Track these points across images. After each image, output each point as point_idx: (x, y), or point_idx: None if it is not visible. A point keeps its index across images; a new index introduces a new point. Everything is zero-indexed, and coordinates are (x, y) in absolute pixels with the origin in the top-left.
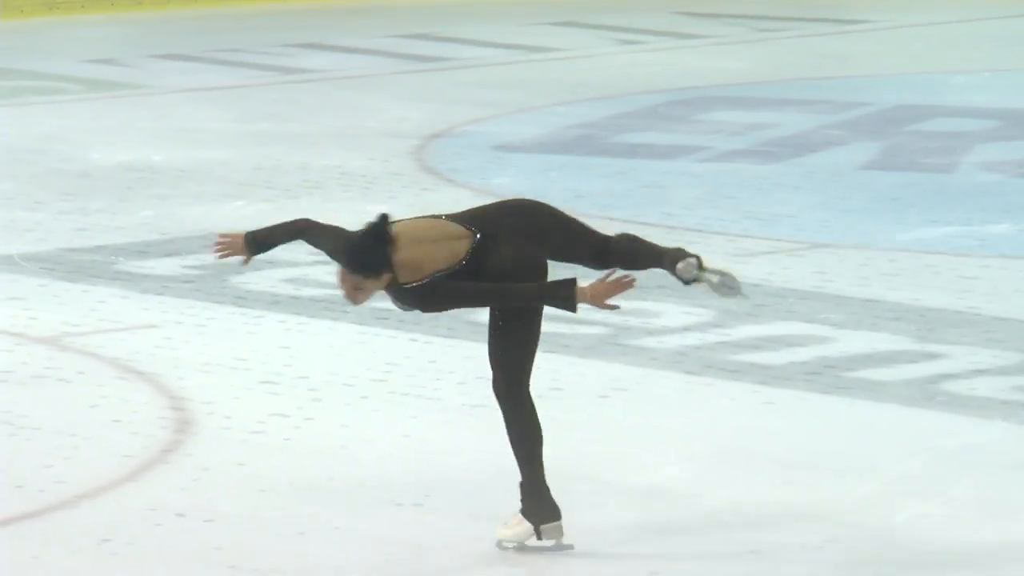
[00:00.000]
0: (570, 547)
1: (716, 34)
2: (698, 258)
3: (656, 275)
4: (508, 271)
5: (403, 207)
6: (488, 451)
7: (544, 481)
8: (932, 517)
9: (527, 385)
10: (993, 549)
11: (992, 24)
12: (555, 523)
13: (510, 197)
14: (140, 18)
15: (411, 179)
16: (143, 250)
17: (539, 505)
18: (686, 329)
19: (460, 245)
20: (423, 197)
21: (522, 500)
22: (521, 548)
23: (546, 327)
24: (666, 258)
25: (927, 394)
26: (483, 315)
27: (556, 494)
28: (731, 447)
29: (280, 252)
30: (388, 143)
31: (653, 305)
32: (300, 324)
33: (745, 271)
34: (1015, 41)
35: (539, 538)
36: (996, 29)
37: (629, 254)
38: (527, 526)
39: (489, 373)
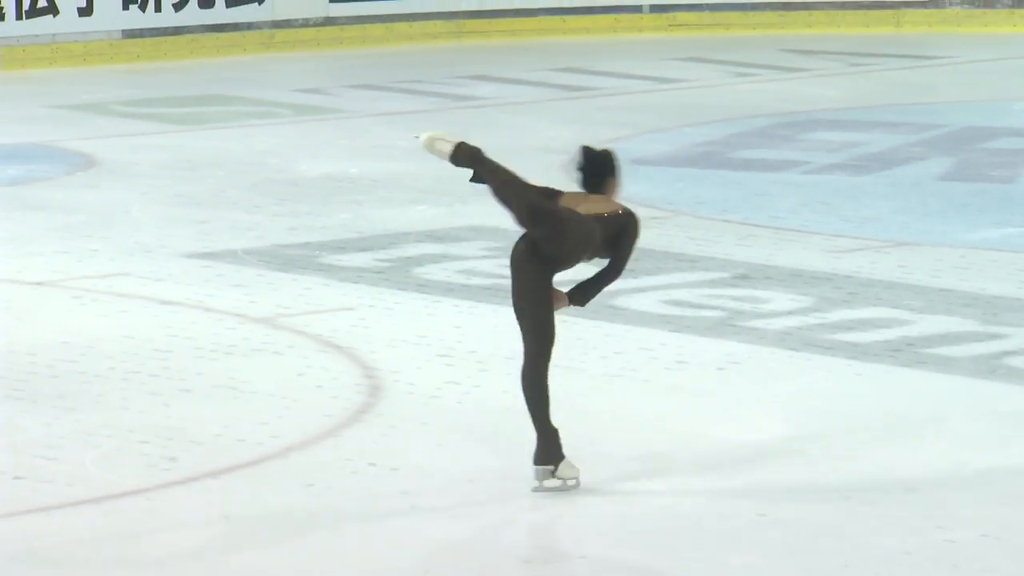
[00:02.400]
0: (576, 485)
1: (816, 67)
2: None
3: (763, 267)
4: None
5: None
6: (626, 413)
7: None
8: (994, 469)
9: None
10: None
11: None
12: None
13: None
14: (340, 55)
15: (562, 187)
16: (342, 246)
17: (551, 447)
18: (790, 313)
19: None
20: None
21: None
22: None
23: (672, 310)
24: None
25: (991, 367)
26: (624, 301)
27: (680, 450)
28: (827, 410)
29: (453, 248)
30: (543, 157)
31: (762, 293)
32: (470, 307)
33: (839, 265)
34: None
35: (553, 476)
36: None
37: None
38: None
39: (625, 348)
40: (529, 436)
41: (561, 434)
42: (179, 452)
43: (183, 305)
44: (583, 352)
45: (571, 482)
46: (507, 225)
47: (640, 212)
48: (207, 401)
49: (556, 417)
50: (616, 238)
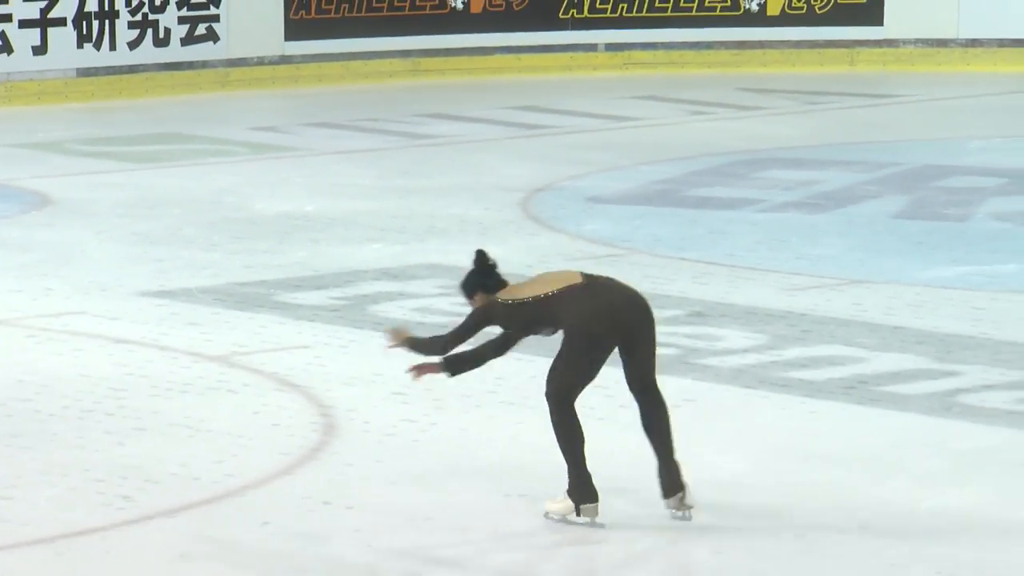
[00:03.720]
0: (602, 525)
1: (772, 106)
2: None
3: (719, 305)
4: (563, 321)
5: (512, 248)
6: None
7: (585, 468)
8: (949, 508)
9: (572, 399)
10: (1002, 532)
11: (1002, 98)
12: (592, 504)
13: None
14: (296, 93)
15: (519, 226)
16: (298, 284)
17: (580, 488)
18: (745, 351)
19: (557, 284)
20: (529, 240)
21: (569, 482)
22: (564, 521)
23: None
24: None
25: (945, 405)
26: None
27: (637, 485)
28: (782, 448)
29: (409, 286)
30: (501, 196)
31: (717, 330)
32: None
33: (794, 303)
34: (1020, 113)
35: (578, 515)
36: (1005, 102)
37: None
38: (569, 503)
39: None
40: (484, 474)
41: (516, 472)
42: (134, 491)
43: (139, 344)
44: (538, 391)
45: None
46: (462, 263)
47: (596, 250)
48: (163, 440)
49: (514, 452)
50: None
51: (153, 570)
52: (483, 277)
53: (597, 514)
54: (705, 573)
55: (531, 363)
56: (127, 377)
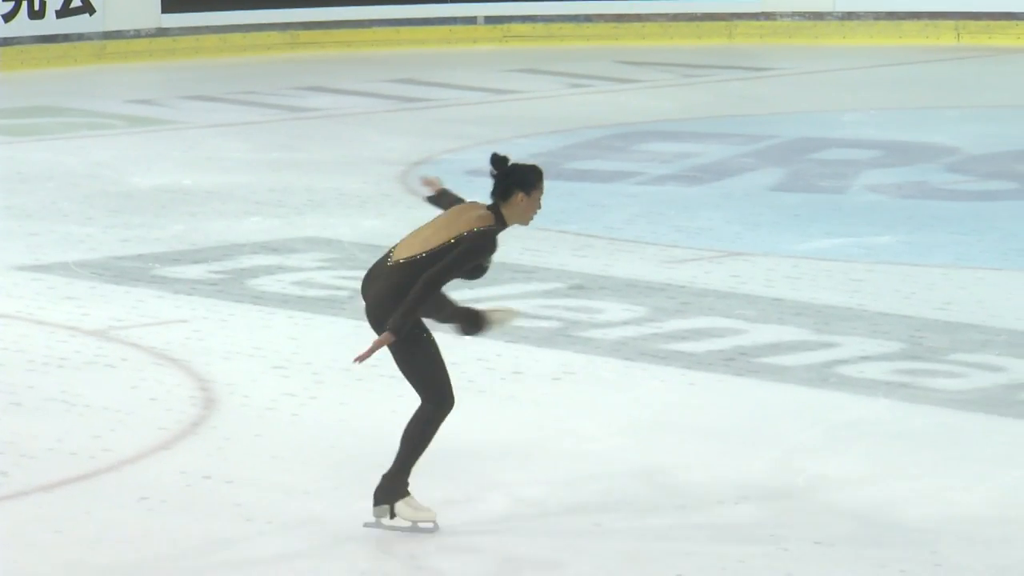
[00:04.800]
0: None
1: (650, 79)
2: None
3: (598, 277)
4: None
5: (391, 221)
6: (462, 424)
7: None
8: (827, 478)
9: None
10: (877, 503)
11: (878, 71)
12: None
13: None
14: (173, 66)
15: (397, 199)
16: (176, 258)
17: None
18: (624, 323)
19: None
20: (408, 213)
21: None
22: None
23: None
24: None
25: (823, 376)
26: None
27: (516, 460)
28: (661, 420)
29: (289, 259)
30: (379, 169)
31: (597, 303)
32: (306, 319)
33: (674, 275)
34: (896, 85)
35: (392, 516)
36: (881, 75)
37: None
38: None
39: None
40: (365, 448)
41: (395, 446)
42: (10, 467)
43: (14, 318)
44: None
45: (426, 525)
46: (341, 236)
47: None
48: (39, 415)
49: (392, 428)
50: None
51: (29, 545)
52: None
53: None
54: (587, 543)
55: None
56: (2, 352)
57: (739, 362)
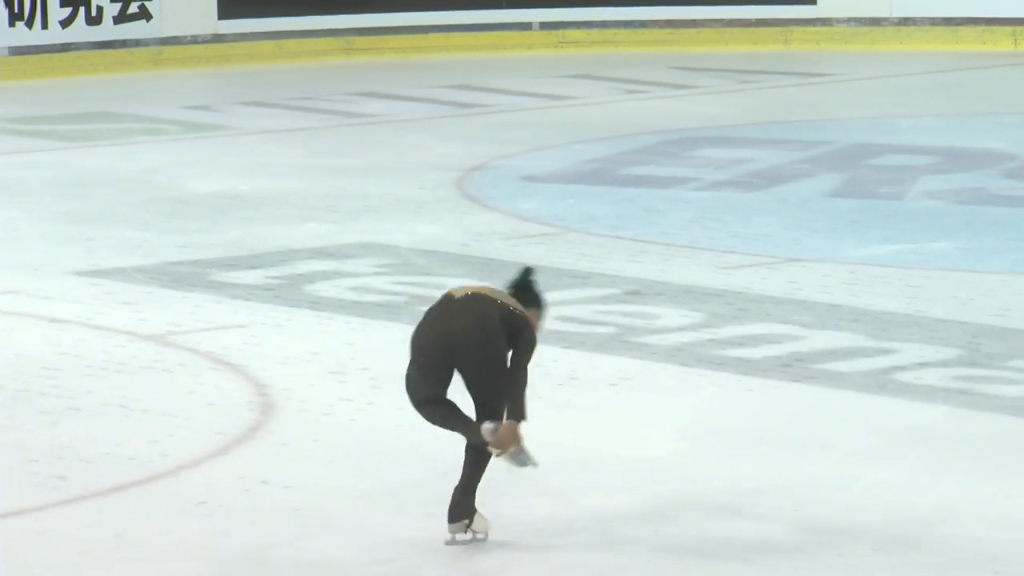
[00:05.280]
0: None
1: (705, 85)
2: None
3: (654, 283)
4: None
5: (446, 227)
6: None
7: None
8: (885, 484)
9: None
10: (935, 510)
11: (934, 77)
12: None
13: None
14: (229, 72)
15: (453, 204)
16: (232, 263)
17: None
18: (681, 329)
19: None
20: (463, 219)
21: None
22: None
23: (565, 327)
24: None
25: (880, 383)
26: None
27: (572, 466)
28: (718, 426)
29: (345, 264)
30: (434, 174)
31: (654, 309)
32: (363, 324)
33: (731, 281)
34: (952, 91)
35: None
36: (937, 81)
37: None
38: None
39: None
40: (422, 453)
41: (452, 452)
42: (68, 471)
43: (72, 323)
44: None
45: (480, 535)
46: (397, 242)
47: (531, 229)
48: (97, 419)
49: (447, 435)
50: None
51: (88, 550)
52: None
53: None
54: (643, 552)
55: None
56: (61, 357)
57: (796, 368)
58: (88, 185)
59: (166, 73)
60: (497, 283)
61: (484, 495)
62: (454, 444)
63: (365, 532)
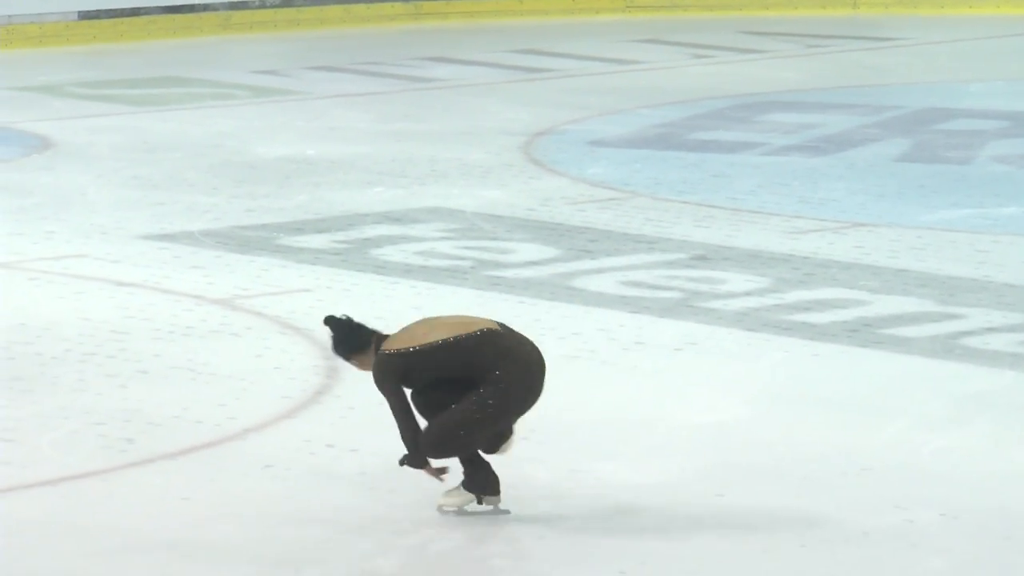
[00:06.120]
0: (507, 511)
1: (773, 49)
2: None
3: (721, 248)
4: (447, 372)
5: (513, 192)
6: (584, 394)
7: (480, 459)
8: (952, 450)
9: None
10: (1003, 475)
11: (1004, 41)
12: (494, 496)
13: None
14: (298, 36)
15: (520, 169)
16: (299, 227)
17: (479, 479)
18: (747, 294)
19: (457, 330)
20: (529, 184)
21: (466, 476)
22: (462, 512)
23: (631, 291)
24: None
25: (947, 348)
26: (582, 282)
27: (638, 431)
28: (784, 391)
29: (411, 229)
30: (501, 139)
31: (720, 273)
32: (429, 288)
33: (798, 246)
34: (1022, 55)
35: (480, 503)
36: (1008, 45)
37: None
38: (467, 495)
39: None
40: None
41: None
42: (136, 434)
43: (140, 287)
44: (541, 333)
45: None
46: (464, 207)
47: (598, 194)
48: (165, 383)
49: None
50: None
51: (155, 513)
52: (350, 336)
53: (499, 501)
54: (707, 517)
55: (534, 306)
56: (128, 320)
57: (863, 333)
58: (157, 150)
59: (235, 37)
60: (561, 249)
61: (550, 457)
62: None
63: (432, 495)
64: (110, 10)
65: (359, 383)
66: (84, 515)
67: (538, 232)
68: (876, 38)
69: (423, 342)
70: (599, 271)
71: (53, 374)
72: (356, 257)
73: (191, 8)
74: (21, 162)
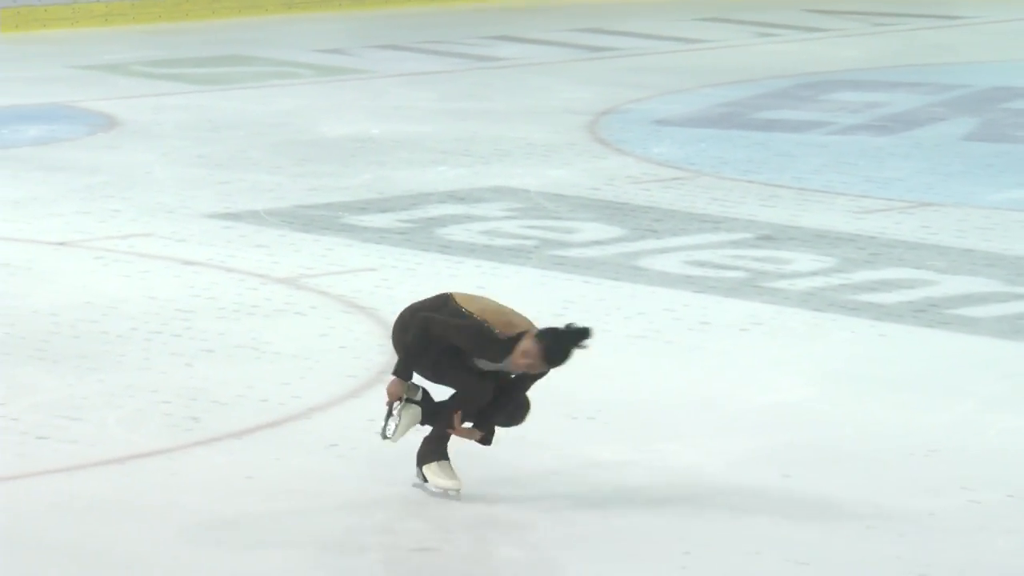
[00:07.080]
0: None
1: (838, 27)
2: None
3: (786, 228)
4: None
5: (577, 171)
6: (649, 374)
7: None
8: (1019, 430)
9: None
10: None
11: None
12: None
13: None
14: (362, 15)
15: (584, 148)
16: (364, 207)
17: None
18: (813, 274)
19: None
20: (594, 163)
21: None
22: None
23: (696, 271)
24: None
25: (1015, 328)
26: (647, 262)
27: (702, 411)
28: (850, 372)
29: (476, 208)
30: (565, 118)
31: (786, 253)
32: (493, 268)
33: (864, 225)
34: None
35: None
36: None
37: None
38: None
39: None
40: (551, 397)
41: (586, 393)
42: (201, 412)
43: (205, 265)
44: (606, 312)
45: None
46: (528, 186)
47: (663, 173)
48: (230, 361)
49: (580, 378)
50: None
51: (220, 491)
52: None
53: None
54: (775, 494)
55: (599, 285)
56: (194, 299)
57: (929, 313)
58: (221, 128)
59: (299, 16)
60: (625, 228)
61: (615, 437)
62: (583, 388)
63: (495, 471)
64: None
65: None
66: (150, 493)
67: (602, 211)
68: (942, 16)
69: (509, 333)
70: (664, 251)
71: (119, 352)
72: (420, 236)
73: None
74: (87, 141)
